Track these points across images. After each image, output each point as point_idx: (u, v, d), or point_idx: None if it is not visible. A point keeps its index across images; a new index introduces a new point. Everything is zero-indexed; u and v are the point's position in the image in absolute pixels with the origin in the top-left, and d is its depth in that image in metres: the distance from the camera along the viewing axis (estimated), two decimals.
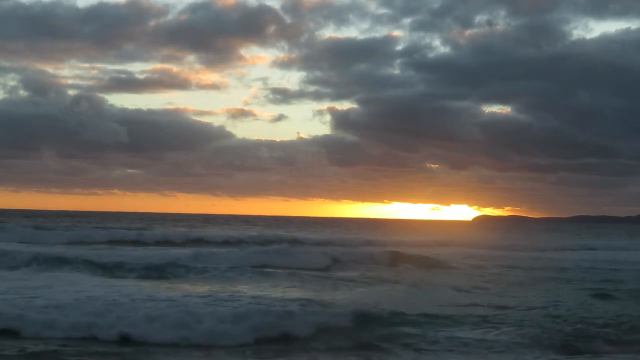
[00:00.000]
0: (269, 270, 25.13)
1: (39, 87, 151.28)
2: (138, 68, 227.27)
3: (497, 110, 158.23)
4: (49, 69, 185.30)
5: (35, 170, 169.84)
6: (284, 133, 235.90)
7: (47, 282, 19.76)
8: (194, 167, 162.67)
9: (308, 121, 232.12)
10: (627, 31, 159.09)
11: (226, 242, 44.87)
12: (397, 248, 37.23)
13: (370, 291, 20.81)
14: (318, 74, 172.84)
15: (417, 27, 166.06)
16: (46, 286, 18.53)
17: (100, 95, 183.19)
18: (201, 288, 19.84)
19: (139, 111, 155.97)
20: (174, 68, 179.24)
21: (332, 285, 21.85)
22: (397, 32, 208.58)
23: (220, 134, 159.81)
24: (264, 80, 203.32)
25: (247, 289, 19.70)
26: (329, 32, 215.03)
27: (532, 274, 28.17)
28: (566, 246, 50.69)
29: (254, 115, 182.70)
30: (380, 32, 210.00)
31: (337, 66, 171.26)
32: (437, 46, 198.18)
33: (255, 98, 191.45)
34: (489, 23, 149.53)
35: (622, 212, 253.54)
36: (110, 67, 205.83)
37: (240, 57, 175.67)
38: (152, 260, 27.20)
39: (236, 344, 13.22)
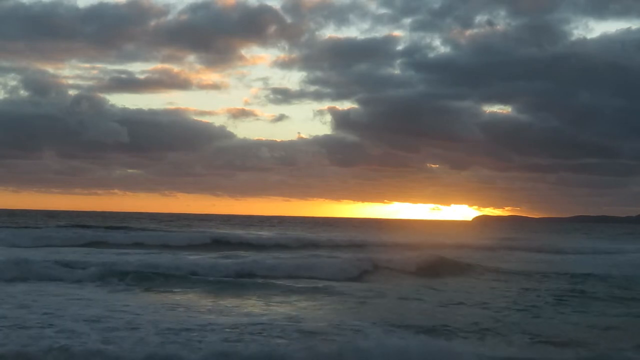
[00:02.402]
0: (318, 283, 22.82)
1: (40, 87, 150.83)
2: (138, 68, 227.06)
3: (498, 110, 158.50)
4: (50, 69, 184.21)
5: (35, 170, 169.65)
6: (285, 133, 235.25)
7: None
8: (194, 167, 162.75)
9: (309, 121, 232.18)
10: (628, 31, 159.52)
11: (250, 245, 44.31)
12: (420, 251, 36.29)
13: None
14: (318, 74, 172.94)
15: (418, 27, 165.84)
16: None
17: (101, 95, 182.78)
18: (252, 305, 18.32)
19: (139, 111, 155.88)
20: (175, 68, 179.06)
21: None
22: (397, 32, 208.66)
23: (221, 134, 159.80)
24: (264, 80, 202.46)
25: (328, 313, 17.08)
26: (330, 32, 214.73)
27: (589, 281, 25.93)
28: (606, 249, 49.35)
29: (254, 115, 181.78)
30: (381, 32, 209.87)
31: (338, 66, 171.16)
32: (438, 46, 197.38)
33: (256, 98, 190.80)
34: (489, 23, 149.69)
35: (622, 212, 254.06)
36: (110, 67, 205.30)
37: (241, 57, 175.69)
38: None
39: None
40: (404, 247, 42.68)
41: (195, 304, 17.83)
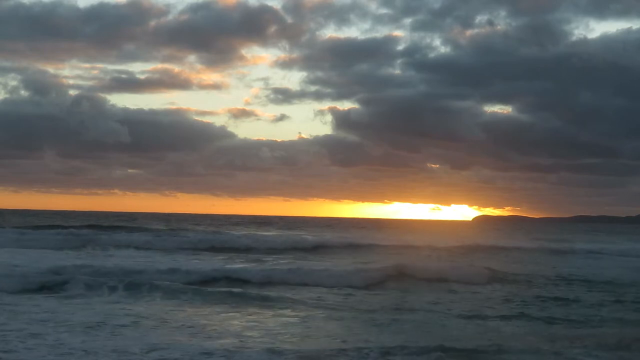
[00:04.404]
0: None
1: (40, 87, 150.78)
2: (139, 68, 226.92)
3: (499, 110, 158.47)
4: (50, 69, 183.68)
5: (36, 170, 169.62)
6: (285, 133, 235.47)
7: None
8: (195, 167, 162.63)
9: (309, 121, 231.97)
10: (629, 31, 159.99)
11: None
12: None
13: None
14: (319, 74, 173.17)
15: (418, 27, 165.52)
16: None
17: (102, 95, 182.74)
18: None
19: (140, 111, 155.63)
20: (175, 68, 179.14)
21: None
22: (397, 32, 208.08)
23: (222, 134, 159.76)
24: (265, 80, 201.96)
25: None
26: (330, 32, 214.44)
27: None
28: None
29: (255, 115, 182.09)
30: (381, 32, 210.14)
31: (338, 66, 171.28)
32: (438, 46, 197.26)
33: (257, 98, 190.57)
34: (490, 23, 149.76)
35: (622, 212, 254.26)
36: (111, 67, 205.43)
37: (242, 57, 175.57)
38: None
39: None
40: (431, 250, 41.86)
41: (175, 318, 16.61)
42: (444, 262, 30.85)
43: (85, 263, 27.20)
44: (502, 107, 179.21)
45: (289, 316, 17.37)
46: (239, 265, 29.99)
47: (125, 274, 23.74)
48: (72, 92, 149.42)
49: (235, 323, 16.18)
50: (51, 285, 21.48)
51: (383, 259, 33.34)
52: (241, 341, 13.90)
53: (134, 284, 21.50)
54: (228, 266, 29.44)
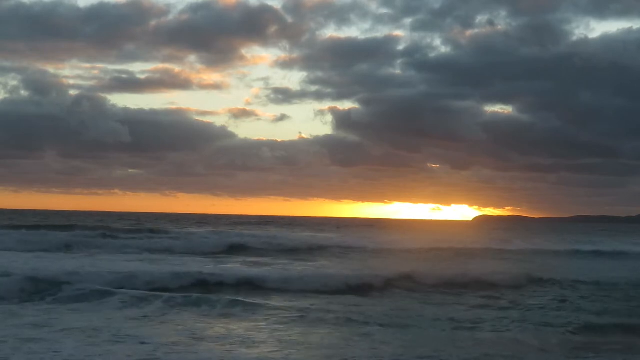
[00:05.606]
0: None
1: (40, 87, 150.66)
2: (139, 68, 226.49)
3: (499, 110, 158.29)
4: (50, 68, 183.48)
5: (36, 170, 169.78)
6: (286, 133, 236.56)
7: None
8: (195, 167, 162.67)
9: (310, 121, 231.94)
10: (629, 31, 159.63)
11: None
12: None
13: None
14: (319, 74, 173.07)
15: (418, 27, 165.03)
16: None
17: (102, 95, 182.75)
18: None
19: (140, 111, 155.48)
20: (176, 68, 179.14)
21: None
22: (398, 32, 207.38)
23: (222, 134, 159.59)
24: (265, 80, 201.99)
25: None
26: (330, 32, 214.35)
27: None
28: None
29: (255, 115, 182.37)
30: (382, 32, 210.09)
31: (339, 66, 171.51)
32: (438, 46, 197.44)
33: (257, 98, 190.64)
34: (490, 23, 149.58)
35: (622, 212, 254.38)
36: (111, 67, 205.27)
37: (242, 57, 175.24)
38: None
39: None
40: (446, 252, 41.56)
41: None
42: (465, 266, 30.31)
43: (84, 265, 26.98)
44: (503, 107, 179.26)
45: (282, 323, 16.91)
46: (231, 266, 29.89)
47: (125, 278, 23.44)
48: (73, 92, 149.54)
49: (233, 328, 15.99)
50: (48, 289, 20.97)
51: (400, 262, 32.96)
52: (245, 346, 13.80)
53: (133, 287, 21.28)
54: (222, 266, 29.38)
